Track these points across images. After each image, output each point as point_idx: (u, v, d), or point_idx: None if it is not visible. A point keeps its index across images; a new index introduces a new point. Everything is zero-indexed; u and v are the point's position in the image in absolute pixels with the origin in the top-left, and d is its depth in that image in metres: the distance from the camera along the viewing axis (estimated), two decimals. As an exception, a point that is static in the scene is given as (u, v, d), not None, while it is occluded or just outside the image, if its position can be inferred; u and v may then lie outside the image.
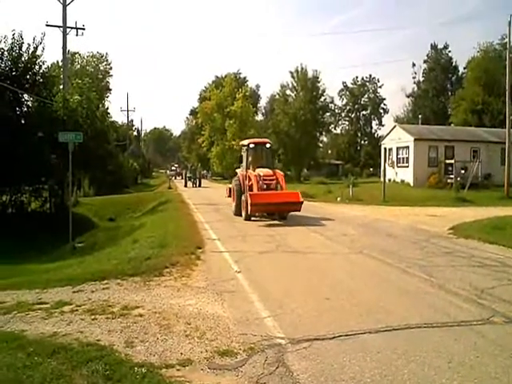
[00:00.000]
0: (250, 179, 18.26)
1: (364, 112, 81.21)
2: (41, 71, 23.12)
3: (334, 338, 5.69)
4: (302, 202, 17.51)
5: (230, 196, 21.07)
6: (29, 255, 15.49)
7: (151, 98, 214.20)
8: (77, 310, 6.83)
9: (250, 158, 19.52)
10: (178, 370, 4.86)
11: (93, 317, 6.51)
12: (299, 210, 17.72)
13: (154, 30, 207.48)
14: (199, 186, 48.86)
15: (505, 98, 31.21)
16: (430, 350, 5.34)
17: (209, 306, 7.02)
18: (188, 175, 52.15)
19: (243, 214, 17.96)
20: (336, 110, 75.24)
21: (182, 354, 5.27)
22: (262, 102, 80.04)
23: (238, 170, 20.40)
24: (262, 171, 18.41)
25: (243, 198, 17.90)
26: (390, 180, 37.16)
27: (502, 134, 33.31)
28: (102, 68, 68.25)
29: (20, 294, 7.96)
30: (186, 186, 49.49)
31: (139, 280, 8.60)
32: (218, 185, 51.66)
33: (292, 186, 40.45)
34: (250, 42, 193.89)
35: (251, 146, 19.76)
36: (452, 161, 34.55)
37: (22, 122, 22.59)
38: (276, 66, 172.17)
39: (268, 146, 20.13)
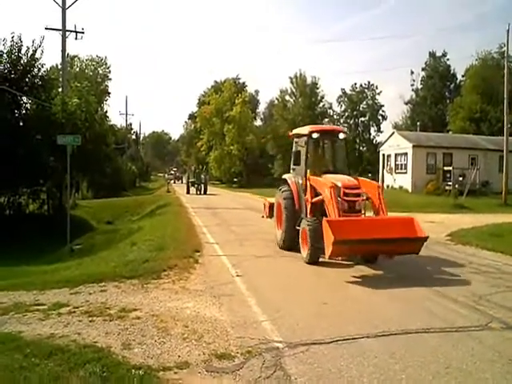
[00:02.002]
0: (312, 191, 11.07)
1: (362, 118, 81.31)
2: (40, 74, 23.17)
3: (331, 342, 5.69)
4: (425, 239, 9.60)
5: (270, 216, 13.90)
6: (26, 257, 15.45)
7: (150, 101, 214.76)
8: (74, 312, 6.82)
9: (310, 157, 12.10)
10: (175, 372, 4.86)
11: (90, 319, 6.50)
12: (417, 252, 9.82)
13: (154, 34, 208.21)
14: (205, 192, 40.55)
15: (503, 106, 31.31)
16: (427, 355, 5.34)
17: (206, 309, 7.01)
18: (191, 180, 43.03)
19: (304, 251, 10.60)
20: (335, 116, 75.40)
21: (179, 356, 5.26)
22: (261, 108, 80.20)
23: (287, 176, 12.93)
24: (337, 179, 10.82)
25: (304, 224, 10.68)
26: (388, 186, 37.27)
27: (500, 142, 33.38)
28: (100, 72, 68.30)
29: (17, 295, 7.93)
30: (188, 192, 41.22)
31: (137, 282, 8.59)
32: (223, 190, 48.39)
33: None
34: (249, 47, 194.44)
35: (314, 135, 11.92)
36: (450, 168, 34.64)
37: (21, 124, 22.58)
38: (275, 71, 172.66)
39: (342, 136, 12.22)
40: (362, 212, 10.71)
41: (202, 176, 42.64)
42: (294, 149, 13.10)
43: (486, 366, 5.07)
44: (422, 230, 9.66)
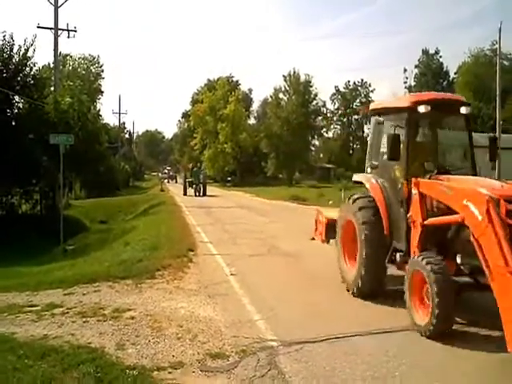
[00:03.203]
0: (423, 205, 6.72)
1: (356, 116, 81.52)
2: (32, 73, 22.98)
3: (325, 340, 5.71)
4: None
5: (327, 239, 9.71)
6: (19, 258, 15.36)
7: (143, 100, 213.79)
8: (68, 313, 6.80)
9: (412, 146, 7.37)
10: (169, 372, 4.86)
11: (84, 319, 6.49)
12: None
13: (148, 32, 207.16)
14: (204, 194, 36.34)
15: (495, 103, 31.48)
16: (421, 352, 5.36)
17: (201, 309, 7.02)
18: (188, 179, 38.96)
19: (419, 314, 6.02)
20: (328, 114, 75.50)
21: (173, 356, 5.26)
22: (255, 106, 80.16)
23: (363, 177, 8.33)
24: (478, 184, 6.25)
25: (420, 267, 6.00)
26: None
27: (493, 139, 33.48)
28: (93, 70, 68.13)
29: (10, 297, 7.92)
30: (185, 193, 37.48)
31: (131, 283, 8.57)
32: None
33: (284, 190, 40.85)
34: (242, 46, 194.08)
35: (421, 108, 6.99)
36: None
37: (13, 123, 22.43)
38: (268, 70, 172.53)
39: (464, 110, 7.40)
40: None
41: (201, 175, 38.01)
42: (372, 134, 8.56)
43: (479, 367, 5.09)
44: None
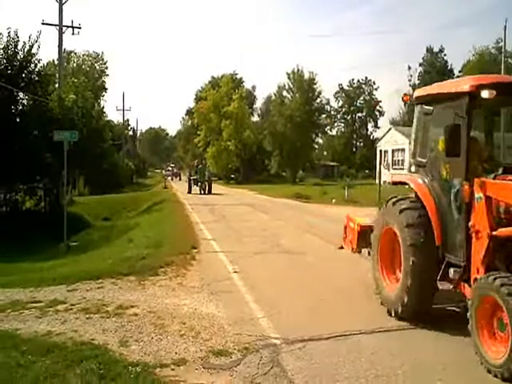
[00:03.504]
0: (490, 214, 5.44)
1: (360, 114, 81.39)
2: (36, 70, 22.99)
3: (328, 338, 5.70)
4: None
5: (358, 249, 8.55)
6: (23, 254, 15.41)
7: (147, 97, 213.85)
8: (71, 309, 6.82)
9: (465, 134, 5.77)
10: (172, 369, 4.86)
11: (87, 316, 6.50)
12: None
13: (152, 29, 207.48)
14: (209, 192, 35.72)
15: (500, 101, 31.36)
16: (424, 350, 5.35)
17: (204, 306, 7.02)
18: (193, 177, 37.28)
19: (491, 349, 4.83)
20: (332, 112, 75.40)
21: (176, 353, 5.26)
22: (258, 103, 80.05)
23: (408, 178, 7.18)
24: None
25: (500, 292, 4.65)
26: (385, 182, 37.29)
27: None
28: (97, 67, 68.19)
29: (14, 293, 7.93)
30: (190, 191, 36.34)
31: (134, 279, 8.58)
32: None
33: (287, 187, 40.79)
34: (246, 41, 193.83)
35: (485, 94, 5.60)
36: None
37: (17, 120, 22.46)
38: (272, 67, 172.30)
39: None
40: None
41: (206, 173, 37.38)
42: (416, 126, 7.17)
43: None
44: None
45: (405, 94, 8.94)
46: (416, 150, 7.08)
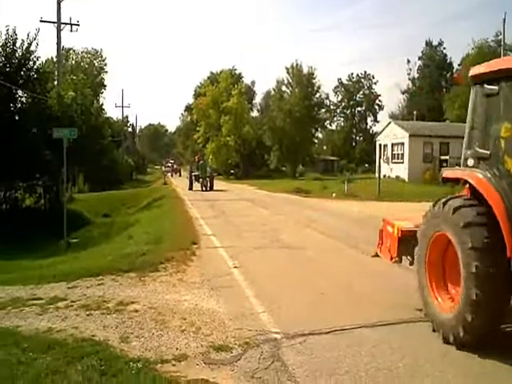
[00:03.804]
0: None
1: (359, 108, 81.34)
2: (35, 67, 22.97)
3: (329, 332, 5.71)
4: None
5: (398, 258, 7.26)
6: (23, 251, 15.43)
7: (146, 94, 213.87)
8: (72, 306, 6.82)
9: None
10: (173, 365, 4.86)
11: (88, 312, 6.51)
12: None
13: (150, 25, 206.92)
14: (211, 188, 34.98)
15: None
16: (424, 343, 5.36)
17: (204, 302, 7.02)
18: (194, 173, 36.56)
19: None
20: (331, 107, 75.35)
21: (177, 349, 5.27)
22: (258, 99, 79.94)
23: (452, 173, 6.61)
24: None
25: None
26: (384, 176, 37.30)
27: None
28: (96, 64, 67.99)
29: (14, 290, 7.94)
30: (191, 188, 35.72)
31: (134, 276, 8.59)
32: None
33: (287, 182, 40.81)
34: (246, 37, 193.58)
35: None
36: (447, 157, 34.66)
37: (16, 118, 22.45)
38: (271, 62, 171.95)
39: None
40: None
41: (208, 168, 36.46)
42: (472, 111, 6.09)
43: (484, 355, 5.07)
44: None
45: (456, 73, 7.04)
46: (473, 139, 5.89)
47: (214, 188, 35.38)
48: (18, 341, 5.36)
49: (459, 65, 64.95)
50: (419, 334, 5.68)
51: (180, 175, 67.11)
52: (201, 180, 35.32)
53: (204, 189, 34.57)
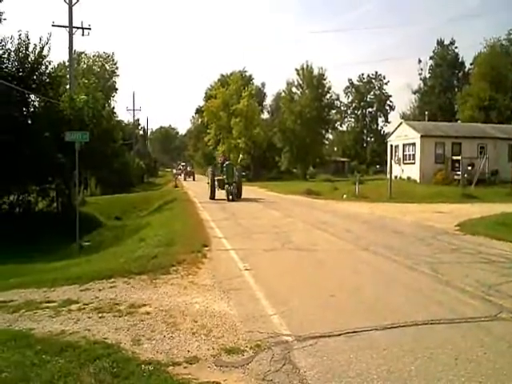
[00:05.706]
0: None
1: (370, 109, 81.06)
2: (47, 71, 23.19)
3: (340, 334, 5.68)
4: None
5: None
6: (36, 254, 15.56)
7: (157, 97, 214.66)
8: (84, 309, 6.87)
9: None
10: (184, 367, 4.88)
11: (100, 315, 6.55)
12: None
13: (161, 29, 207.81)
14: (239, 196, 27.29)
15: (512, 93, 30.96)
16: (436, 346, 5.32)
17: (215, 304, 7.03)
18: (218, 177, 27.55)
19: None
20: (342, 108, 75.15)
21: (188, 351, 5.28)
22: (268, 101, 79.97)
23: None
24: None
25: None
26: (396, 177, 37.10)
27: (510, 131, 33.10)
28: (108, 68, 68.55)
29: (28, 293, 8.01)
30: (213, 197, 27.25)
31: (146, 278, 8.63)
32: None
33: (298, 184, 40.74)
34: (256, 39, 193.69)
35: None
36: (459, 157, 34.37)
37: (29, 122, 22.69)
38: (281, 63, 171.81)
39: None
40: None
41: (236, 171, 27.79)
42: None
43: (495, 357, 5.03)
44: None
45: None
46: None
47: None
48: (32, 343, 5.40)
49: (471, 64, 64.58)
50: (431, 336, 5.65)
51: (194, 179, 61.41)
52: (226, 186, 26.86)
53: (231, 197, 26.30)
